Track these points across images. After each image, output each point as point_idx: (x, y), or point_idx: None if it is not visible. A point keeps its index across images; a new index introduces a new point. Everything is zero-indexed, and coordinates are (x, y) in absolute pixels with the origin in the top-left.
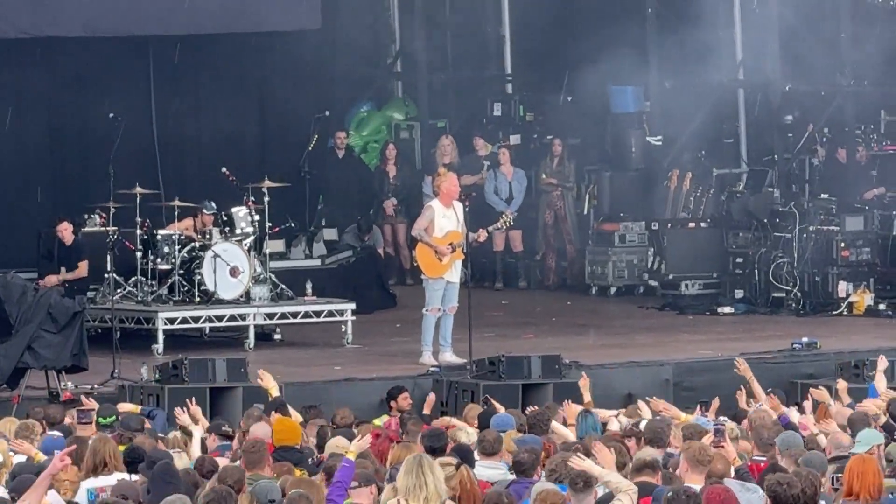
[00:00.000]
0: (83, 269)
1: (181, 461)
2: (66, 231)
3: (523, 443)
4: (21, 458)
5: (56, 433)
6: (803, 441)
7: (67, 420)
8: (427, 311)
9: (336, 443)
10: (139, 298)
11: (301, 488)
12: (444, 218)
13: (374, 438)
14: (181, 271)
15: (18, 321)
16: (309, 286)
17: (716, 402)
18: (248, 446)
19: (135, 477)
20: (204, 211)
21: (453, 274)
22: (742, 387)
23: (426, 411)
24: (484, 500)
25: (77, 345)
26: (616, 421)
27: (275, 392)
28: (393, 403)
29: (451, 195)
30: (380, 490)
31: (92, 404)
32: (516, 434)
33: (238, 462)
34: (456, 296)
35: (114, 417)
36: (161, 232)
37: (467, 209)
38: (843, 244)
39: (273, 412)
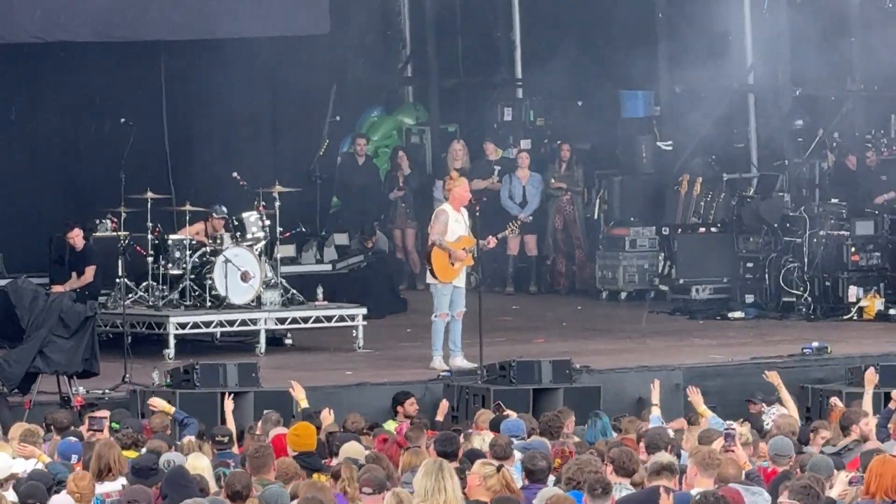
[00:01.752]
0: (89, 274)
1: (195, 466)
2: (77, 237)
3: (530, 448)
4: (28, 466)
5: (72, 438)
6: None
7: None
8: (436, 316)
9: (350, 447)
10: (150, 303)
11: (312, 491)
12: (456, 222)
13: (381, 443)
14: (192, 276)
15: (30, 326)
16: (320, 291)
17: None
18: (253, 451)
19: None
20: (214, 215)
21: (459, 279)
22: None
23: (439, 418)
24: (493, 502)
25: (88, 350)
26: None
27: (304, 403)
28: (399, 409)
29: (461, 200)
30: None
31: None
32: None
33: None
34: (463, 300)
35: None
36: (172, 237)
37: (477, 214)
38: (853, 249)
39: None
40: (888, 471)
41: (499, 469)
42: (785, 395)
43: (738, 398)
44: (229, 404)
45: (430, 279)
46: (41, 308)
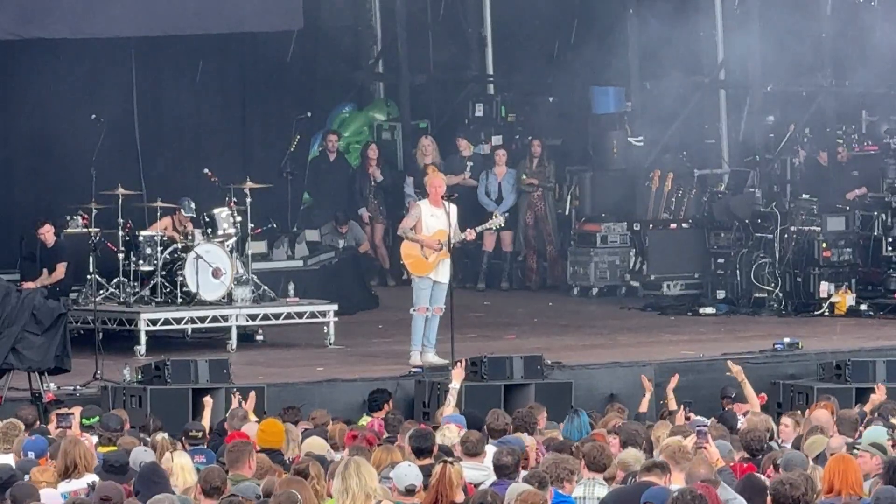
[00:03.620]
0: (60, 271)
1: (180, 464)
2: (48, 233)
3: (505, 443)
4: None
5: (34, 436)
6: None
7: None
8: (414, 310)
9: (312, 442)
10: (121, 300)
11: (292, 487)
12: (432, 217)
13: (350, 440)
14: (163, 272)
15: (2, 323)
16: (291, 287)
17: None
18: (231, 446)
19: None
20: (182, 211)
21: (440, 274)
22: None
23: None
24: (470, 500)
25: (60, 346)
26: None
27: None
28: (386, 406)
29: (433, 194)
30: None
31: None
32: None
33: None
34: (443, 297)
35: (97, 418)
36: (143, 233)
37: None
38: (824, 245)
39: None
40: (850, 468)
41: (444, 463)
42: (748, 389)
43: (709, 394)
44: (208, 401)
45: (408, 273)
46: (13, 305)
